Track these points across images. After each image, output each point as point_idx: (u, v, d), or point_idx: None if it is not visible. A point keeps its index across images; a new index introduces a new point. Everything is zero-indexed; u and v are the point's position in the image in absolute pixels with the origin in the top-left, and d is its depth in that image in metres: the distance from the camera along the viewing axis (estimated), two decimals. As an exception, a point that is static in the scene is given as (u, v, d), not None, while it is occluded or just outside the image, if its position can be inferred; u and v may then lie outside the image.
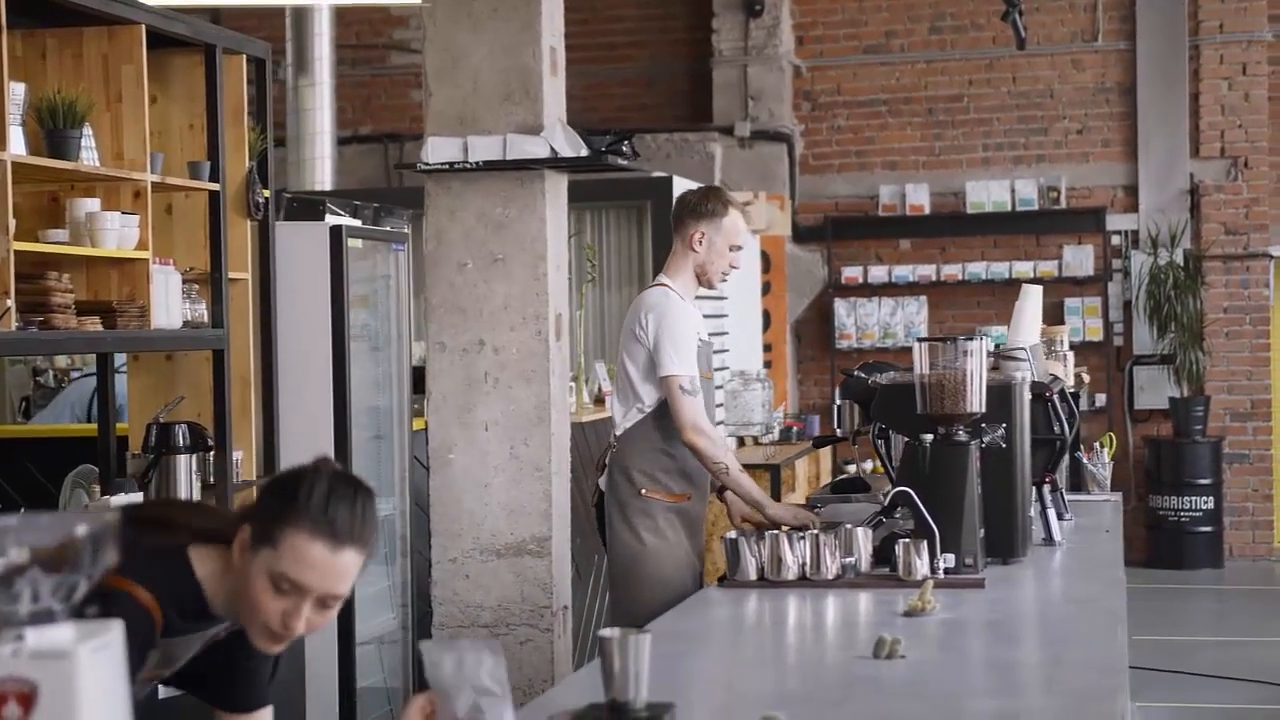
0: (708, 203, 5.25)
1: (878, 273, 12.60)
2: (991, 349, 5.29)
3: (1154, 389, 12.28)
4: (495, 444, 5.71)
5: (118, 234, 4.97)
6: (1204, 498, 11.93)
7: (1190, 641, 9.65)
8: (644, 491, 5.13)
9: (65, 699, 1.71)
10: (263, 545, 2.50)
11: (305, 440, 6.08)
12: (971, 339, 4.35)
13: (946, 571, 4.16)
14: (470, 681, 2.60)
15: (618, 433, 5.24)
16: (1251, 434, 12.31)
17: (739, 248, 5.26)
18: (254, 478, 5.82)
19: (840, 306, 12.61)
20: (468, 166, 5.80)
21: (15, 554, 1.75)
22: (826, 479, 10.08)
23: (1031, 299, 5.52)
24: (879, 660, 3.20)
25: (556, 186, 5.99)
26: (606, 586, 7.35)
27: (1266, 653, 9.30)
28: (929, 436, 4.32)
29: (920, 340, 4.40)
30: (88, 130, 4.90)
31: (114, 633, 1.78)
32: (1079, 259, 12.35)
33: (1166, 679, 8.47)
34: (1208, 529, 11.98)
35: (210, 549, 2.62)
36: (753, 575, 4.21)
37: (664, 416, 5.13)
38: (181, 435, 5.36)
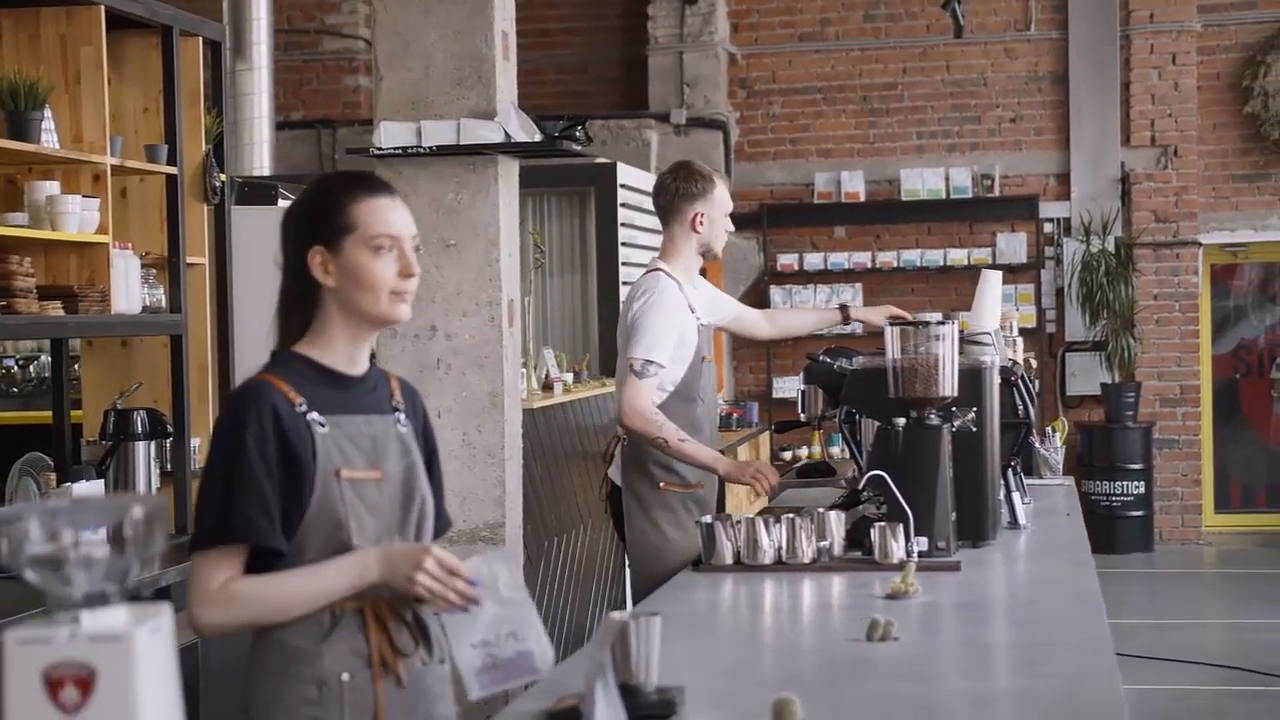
0: (696, 182, 5.25)
1: (813, 260, 12.63)
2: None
3: (1086, 375, 12.41)
4: (448, 430, 5.69)
5: (78, 217, 4.90)
6: (1135, 482, 12.07)
7: (1123, 625, 9.75)
8: (662, 485, 5.08)
9: (123, 682, 1.69)
10: (343, 240, 2.78)
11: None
12: (944, 323, 4.36)
13: (920, 555, 4.18)
14: (490, 596, 2.62)
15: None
16: (1181, 419, 12.46)
17: (730, 212, 5.38)
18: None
19: (776, 293, 12.63)
20: (421, 151, 5.76)
21: (68, 536, 1.73)
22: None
23: (991, 284, 5.54)
24: (873, 643, 3.21)
25: (509, 172, 5.96)
26: (559, 573, 7.34)
27: (1197, 635, 9.44)
28: (901, 420, 4.34)
29: (893, 324, 4.40)
30: (48, 112, 4.83)
31: (165, 615, 1.76)
32: (1012, 246, 12.44)
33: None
34: (1138, 513, 12.12)
35: (299, 343, 2.83)
36: (729, 559, 4.21)
37: (673, 406, 5.04)
38: (140, 422, 5.28)
